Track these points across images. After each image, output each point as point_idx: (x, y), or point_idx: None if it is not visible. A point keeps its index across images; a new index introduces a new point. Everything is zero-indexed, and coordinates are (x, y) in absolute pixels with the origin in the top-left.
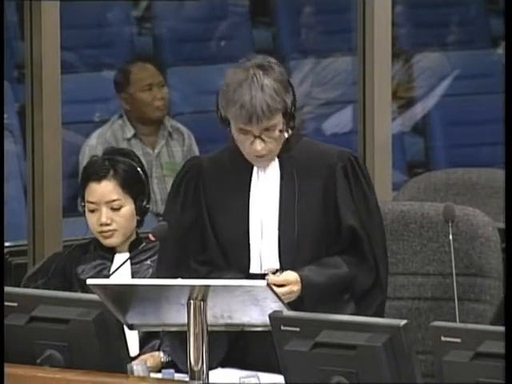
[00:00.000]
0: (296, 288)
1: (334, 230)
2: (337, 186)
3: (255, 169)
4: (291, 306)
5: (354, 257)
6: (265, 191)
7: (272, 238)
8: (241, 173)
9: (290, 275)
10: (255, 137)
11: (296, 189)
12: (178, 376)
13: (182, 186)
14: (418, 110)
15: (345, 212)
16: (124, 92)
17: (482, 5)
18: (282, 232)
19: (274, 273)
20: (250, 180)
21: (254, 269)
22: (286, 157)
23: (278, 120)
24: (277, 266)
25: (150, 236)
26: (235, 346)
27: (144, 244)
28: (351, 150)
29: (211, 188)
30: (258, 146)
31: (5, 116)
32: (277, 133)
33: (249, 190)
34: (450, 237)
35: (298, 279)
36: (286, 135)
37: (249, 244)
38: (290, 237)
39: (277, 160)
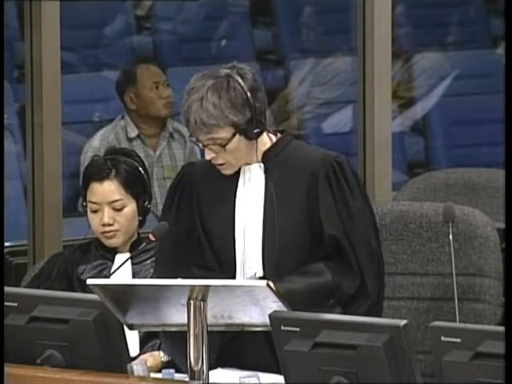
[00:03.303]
0: None
1: (317, 237)
2: (319, 193)
3: (241, 175)
4: None
5: (337, 263)
6: (250, 197)
7: (256, 244)
8: (229, 178)
9: None
10: (203, 145)
11: (279, 196)
12: (178, 376)
13: (176, 193)
14: (418, 110)
15: (326, 220)
16: (129, 92)
17: (482, 5)
18: (265, 239)
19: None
20: (237, 185)
21: (238, 276)
22: (271, 161)
23: (222, 134)
24: (260, 273)
25: (150, 236)
26: (228, 348)
27: (145, 244)
28: (337, 154)
29: (204, 194)
30: (207, 154)
31: (5, 116)
32: (224, 146)
33: (235, 196)
34: (450, 237)
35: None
36: (275, 139)
37: (234, 250)
38: (273, 244)
39: (262, 165)
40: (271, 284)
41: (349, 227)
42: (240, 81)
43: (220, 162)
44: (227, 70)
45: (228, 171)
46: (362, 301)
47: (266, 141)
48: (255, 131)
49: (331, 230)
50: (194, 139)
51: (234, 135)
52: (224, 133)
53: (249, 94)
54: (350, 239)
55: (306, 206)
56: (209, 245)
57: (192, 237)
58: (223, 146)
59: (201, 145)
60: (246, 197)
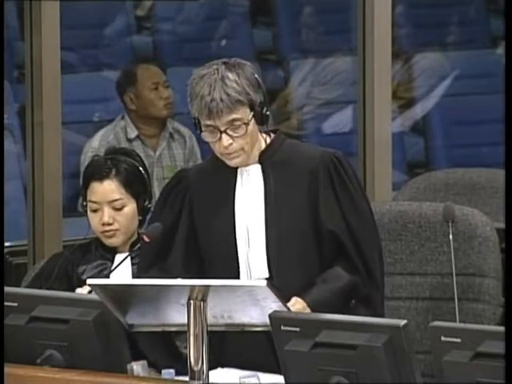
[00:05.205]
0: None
1: (320, 235)
2: (319, 190)
3: (239, 176)
4: None
5: (345, 261)
6: (249, 199)
7: (259, 246)
8: (225, 181)
9: (298, 304)
10: (221, 132)
11: (280, 196)
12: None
13: (169, 198)
14: (418, 110)
15: (325, 217)
16: (129, 92)
17: (482, 5)
18: (268, 240)
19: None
20: (235, 188)
21: (244, 278)
22: (268, 162)
23: (243, 114)
24: (266, 274)
25: (145, 237)
26: (229, 348)
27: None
28: (335, 151)
29: (199, 199)
30: (225, 141)
31: (5, 116)
32: (243, 127)
33: (233, 199)
34: (450, 237)
35: (305, 305)
36: (268, 139)
37: (237, 254)
38: (277, 244)
39: (259, 166)
40: (286, 294)
41: (355, 221)
42: (248, 63)
43: (235, 148)
44: (231, 60)
45: (239, 160)
46: (375, 296)
47: (261, 141)
48: (267, 113)
49: (329, 225)
50: (209, 127)
51: (250, 117)
52: (243, 113)
53: (256, 75)
54: (356, 234)
55: (308, 205)
56: (205, 250)
57: (181, 240)
58: (245, 124)
59: (217, 131)
60: (245, 198)
